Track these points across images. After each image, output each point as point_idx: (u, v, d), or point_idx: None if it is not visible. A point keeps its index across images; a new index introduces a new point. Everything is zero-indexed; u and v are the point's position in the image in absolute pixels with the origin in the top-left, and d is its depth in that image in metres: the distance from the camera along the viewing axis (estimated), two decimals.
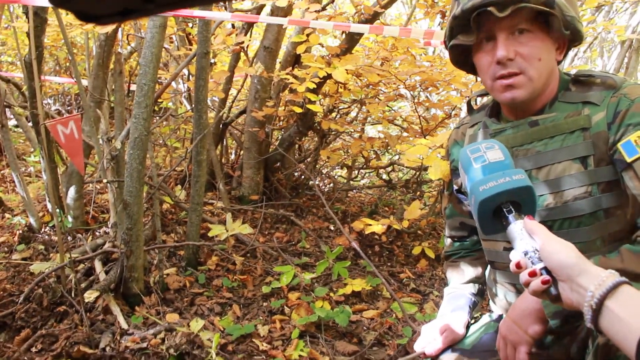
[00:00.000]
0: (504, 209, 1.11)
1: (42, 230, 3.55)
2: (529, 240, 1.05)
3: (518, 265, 1.03)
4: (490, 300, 1.94)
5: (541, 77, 1.39)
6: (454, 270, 2.01)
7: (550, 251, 0.99)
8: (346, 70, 3.15)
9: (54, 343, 2.46)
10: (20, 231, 3.52)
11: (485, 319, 1.90)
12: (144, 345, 2.43)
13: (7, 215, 3.79)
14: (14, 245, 3.38)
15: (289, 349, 2.58)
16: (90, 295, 2.68)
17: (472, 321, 1.96)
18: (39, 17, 2.81)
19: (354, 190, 5.50)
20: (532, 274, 1.01)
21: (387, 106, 4.32)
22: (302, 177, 4.88)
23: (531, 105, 1.47)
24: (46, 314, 2.62)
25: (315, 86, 3.49)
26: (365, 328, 2.85)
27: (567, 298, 0.97)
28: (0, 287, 2.82)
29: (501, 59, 1.36)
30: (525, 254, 1.03)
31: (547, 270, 0.99)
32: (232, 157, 5.19)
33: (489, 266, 1.87)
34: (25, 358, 2.37)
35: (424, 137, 3.02)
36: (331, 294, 3.09)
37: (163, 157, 5.14)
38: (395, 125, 4.81)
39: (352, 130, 4.65)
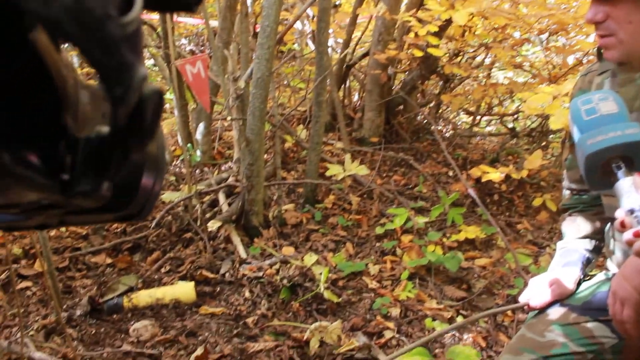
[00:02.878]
0: (613, 164, 1.03)
1: (174, 163, 3.78)
2: (636, 198, 0.98)
3: (622, 224, 0.97)
4: (608, 258, 1.84)
5: (634, 39, 1.28)
6: (570, 224, 1.92)
7: None
8: (470, 13, 3.01)
9: (180, 265, 2.65)
10: None
11: (600, 276, 1.81)
12: (260, 274, 2.55)
13: None
14: None
15: (397, 289, 2.61)
16: (213, 225, 2.84)
17: (586, 278, 1.88)
18: None
19: (477, 137, 5.34)
20: (637, 235, 0.94)
21: (515, 50, 4.09)
22: (424, 121, 4.80)
23: None
24: (174, 239, 2.82)
25: (437, 29, 3.38)
26: (475, 276, 2.82)
27: None
28: None
29: (587, 21, 1.29)
30: (632, 212, 0.96)
31: None
32: (355, 99, 5.19)
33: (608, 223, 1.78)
34: (156, 276, 2.58)
35: (552, 85, 2.85)
36: (444, 240, 3.06)
37: (287, 97, 5.24)
38: (524, 70, 4.57)
39: (477, 76, 4.47)
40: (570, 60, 3.90)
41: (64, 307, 2.26)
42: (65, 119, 0.26)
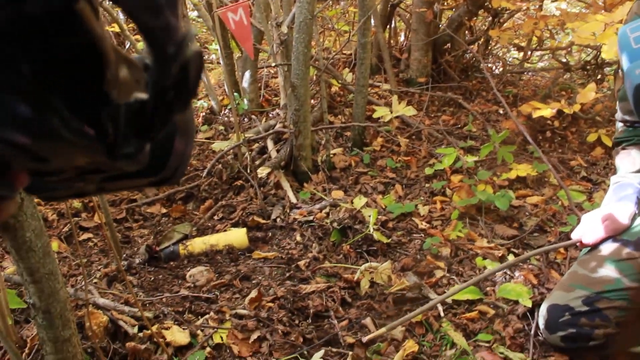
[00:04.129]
0: None
1: (222, 112, 3.80)
2: None
3: None
4: None
5: None
6: (624, 158, 1.85)
7: None
8: None
9: (232, 212, 2.69)
10: (204, 114, 3.80)
11: None
12: (310, 218, 2.57)
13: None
14: (199, 126, 3.67)
15: (447, 229, 2.59)
16: (263, 172, 2.87)
17: None
18: None
19: (528, 73, 5.16)
20: None
21: None
22: (472, 59, 4.66)
23: None
24: (225, 187, 2.86)
25: None
26: (527, 214, 2.76)
27: None
28: (188, 163, 3.10)
29: None
30: None
31: None
32: (401, 39, 5.07)
33: None
34: (209, 224, 2.64)
35: (606, 13, 2.70)
36: (494, 178, 3.01)
37: (332, 40, 5.16)
38: (578, 0, 4.35)
39: (527, 8, 4.28)
40: None
41: (124, 256, 2.34)
42: (106, 86, 0.27)
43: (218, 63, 4.95)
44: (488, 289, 2.13)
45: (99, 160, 0.30)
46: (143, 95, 0.30)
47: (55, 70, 0.25)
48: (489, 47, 5.04)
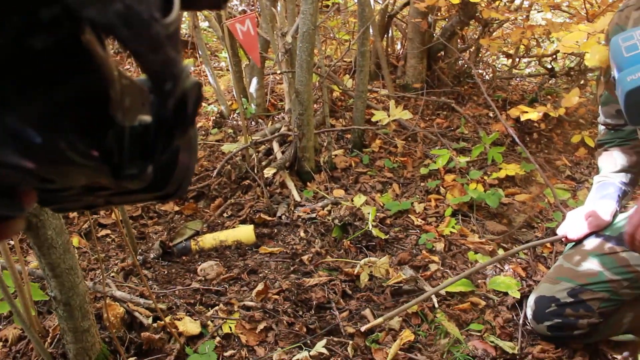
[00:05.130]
0: None
1: (231, 116, 3.80)
2: None
3: None
4: None
5: None
6: (606, 158, 1.85)
7: None
8: None
9: (240, 210, 2.68)
10: (214, 117, 3.79)
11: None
12: (313, 215, 2.56)
13: (203, 104, 4.09)
14: (209, 129, 3.67)
15: (441, 225, 2.58)
16: (269, 172, 2.86)
17: (622, 210, 1.81)
18: None
19: (516, 79, 5.14)
20: None
21: None
22: (464, 65, 4.64)
23: None
24: (234, 186, 2.85)
25: None
26: (515, 211, 2.75)
27: None
28: (199, 164, 3.10)
29: None
30: None
31: None
32: (397, 47, 5.06)
33: None
34: (219, 221, 2.63)
35: (588, 23, 2.69)
36: (485, 177, 3.00)
37: (334, 49, 5.15)
38: (562, 11, 4.32)
39: (515, 18, 4.26)
40: None
41: (139, 251, 2.33)
42: (112, 110, 0.27)
43: (227, 70, 4.95)
44: (479, 281, 2.13)
45: (104, 180, 0.30)
46: (147, 118, 0.29)
47: (62, 96, 0.25)
48: (480, 55, 5.03)
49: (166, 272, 2.19)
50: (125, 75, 0.28)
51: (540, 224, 2.62)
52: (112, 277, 2.09)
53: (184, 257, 2.32)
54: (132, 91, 0.28)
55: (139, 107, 0.29)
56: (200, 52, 3.80)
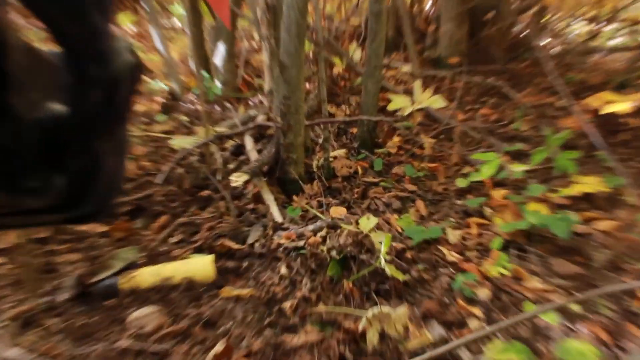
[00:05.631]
0: None
1: (186, 97, 3.78)
2: None
3: None
4: None
5: None
6: None
7: None
8: None
9: (195, 234, 2.66)
10: (162, 99, 3.77)
11: None
12: (301, 243, 2.54)
13: (147, 79, 4.06)
14: (154, 115, 3.63)
15: (486, 263, 2.56)
16: (238, 179, 2.83)
17: None
18: None
19: (597, 54, 5.15)
20: None
21: None
22: (522, 34, 4.66)
23: None
24: (187, 198, 2.83)
25: None
26: (595, 244, 2.74)
27: None
28: (137, 165, 3.07)
29: None
30: None
31: None
32: (427, 6, 5.07)
33: None
34: (163, 248, 2.60)
35: None
36: (551, 195, 2.98)
37: (336, 6, 5.16)
38: None
39: None
40: None
41: (45, 289, 2.29)
42: (8, 93, 0.25)
43: (183, 32, 4.94)
44: (540, 346, 2.09)
45: None
46: (60, 108, 0.28)
47: None
48: (545, 19, 5.04)
49: (83, 321, 2.15)
50: (31, 45, 0.26)
51: (631, 264, 2.59)
52: (6, 326, 2.04)
53: (109, 301, 2.29)
54: (39, 68, 0.27)
55: (49, 91, 0.27)
56: (144, 6, 3.78)
